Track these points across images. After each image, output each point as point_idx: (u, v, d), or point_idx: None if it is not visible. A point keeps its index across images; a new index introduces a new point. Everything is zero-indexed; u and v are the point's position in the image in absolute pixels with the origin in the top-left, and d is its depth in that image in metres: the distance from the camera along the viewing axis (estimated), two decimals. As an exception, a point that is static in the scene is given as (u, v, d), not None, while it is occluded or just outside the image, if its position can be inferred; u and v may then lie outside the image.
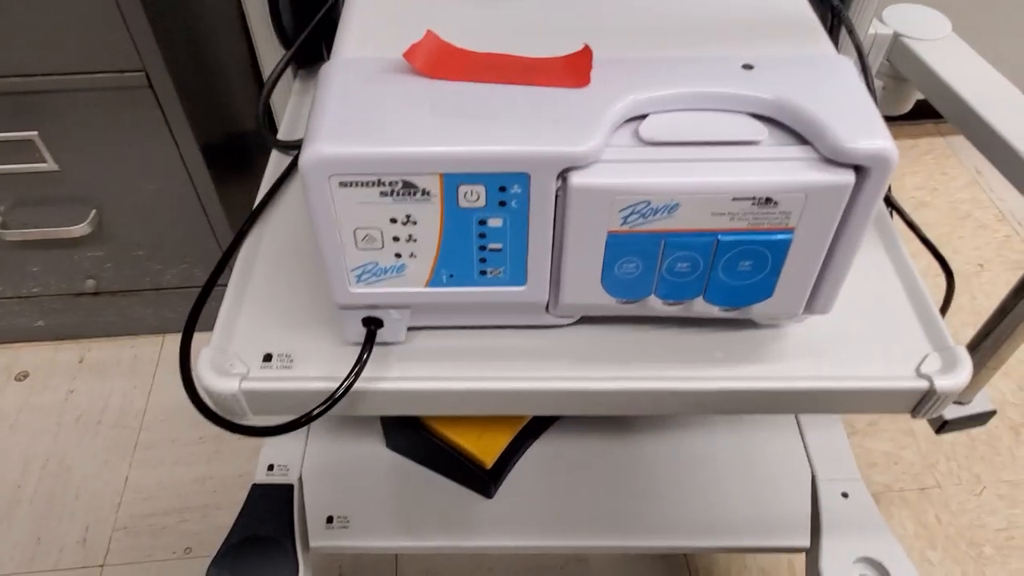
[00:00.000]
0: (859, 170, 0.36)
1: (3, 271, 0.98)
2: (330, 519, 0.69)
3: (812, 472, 0.72)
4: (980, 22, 1.22)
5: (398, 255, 0.40)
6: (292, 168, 0.58)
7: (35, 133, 0.82)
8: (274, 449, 0.72)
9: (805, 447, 0.74)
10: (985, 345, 0.68)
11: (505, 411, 0.47)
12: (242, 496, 0.67)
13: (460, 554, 0.75)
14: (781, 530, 0.70)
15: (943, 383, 0.45)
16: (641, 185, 0.36)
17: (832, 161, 0.37)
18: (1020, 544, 0.89)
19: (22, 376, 1.07)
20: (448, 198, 0.37)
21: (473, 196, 0.37)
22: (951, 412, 0.73)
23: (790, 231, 0.38)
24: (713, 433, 0.76)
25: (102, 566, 0.88)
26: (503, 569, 0.87)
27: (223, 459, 0.98)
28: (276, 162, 0.60)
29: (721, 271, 0.40)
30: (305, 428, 0.75)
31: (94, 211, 0.90)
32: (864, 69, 0.56)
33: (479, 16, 0.44)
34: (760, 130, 0.38)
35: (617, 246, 0.39)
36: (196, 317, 0.48)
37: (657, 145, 0.37)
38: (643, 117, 0.38)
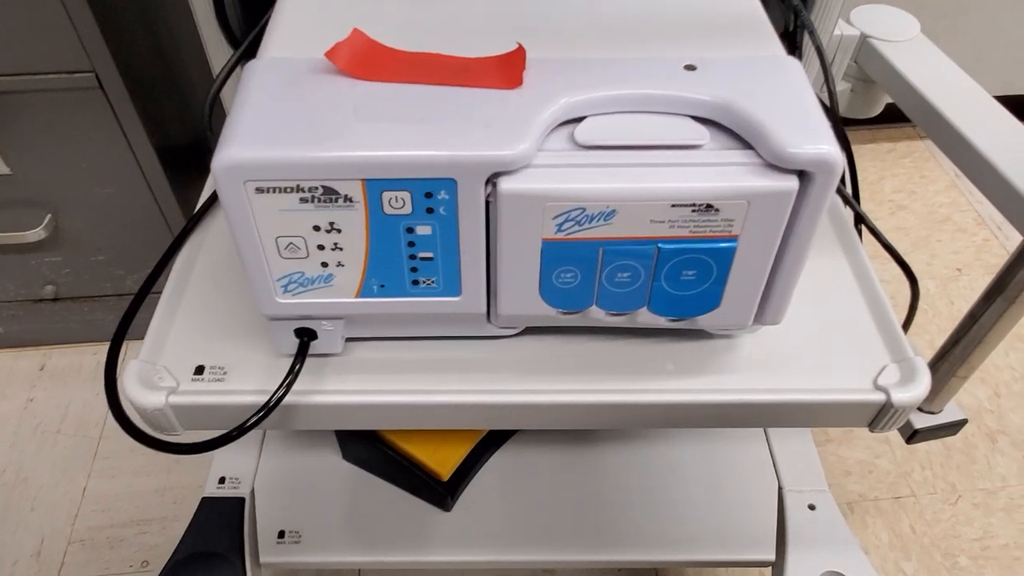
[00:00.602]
0: (803, 176, 0.35)
1: (-41, 277, 0.96)
2: (281, 534, 0.67)
3: (779, 483, 0.70)
4: (952, 24, 1.21)
5: (324, 264, 0.38)
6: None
7: (-15, 136, 0.80)
8: (226, 461, 0.70)
9: (772, 458, 0.72)
10: (954, 352, 0.67)
11: (447, 425, 0.45)
12: (200, 509, 0.65)
13: (420, 570, 0.73)
14: (747, 544, 0.68)
15: (900, 396, 0.43)
16: (575, 191, 0.35)
17: (775, 167, 0.35)
18: (995, 554, 0.87)
19: (-20, 384, 1.04)
20: (372, 205, 0.35)
21: (398, 203, 0.35)
22: (921, 421, 0.71)
23: (734, 239, 0.37)
24: (679, 443, 0.74)
25: (57, 580, 0.86)
26: (468, 583, 0.85)
27: (184, 469, 0.95)
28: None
29: (664, 281, 0.39)
30: (259, 440, 0.73)
31: (49, 215, 0.88)
32: (825, 71, 0.54)
33: (411, 15, 0.42)
34: (702, 134, 0.36)
35: (553, 255, 0.37)
36: (126, 327, 0.46)
37: (593, 149, 0.36)
38: (580, 120, 0.37)
